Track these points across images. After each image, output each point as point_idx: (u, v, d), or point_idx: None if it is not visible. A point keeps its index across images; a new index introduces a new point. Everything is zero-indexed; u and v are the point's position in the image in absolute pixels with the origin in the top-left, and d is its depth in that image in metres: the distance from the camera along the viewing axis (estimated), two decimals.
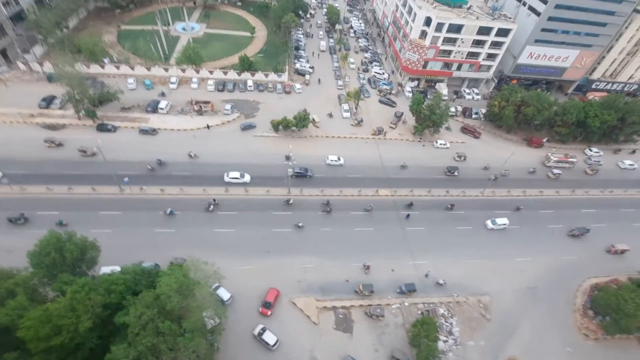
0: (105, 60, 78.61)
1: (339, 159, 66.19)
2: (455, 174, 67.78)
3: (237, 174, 59.76)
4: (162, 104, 70.95)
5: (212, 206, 55.09)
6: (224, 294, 45.08)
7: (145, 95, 74.29)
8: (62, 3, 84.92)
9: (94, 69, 76.82)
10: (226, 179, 59.60)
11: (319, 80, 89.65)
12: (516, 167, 70.87)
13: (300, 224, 54.65)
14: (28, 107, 66.31)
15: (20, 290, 34.09)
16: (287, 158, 64.81)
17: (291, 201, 57.58)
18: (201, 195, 56.88)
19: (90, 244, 41.04)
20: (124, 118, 68.41)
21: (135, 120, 68.20)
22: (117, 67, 78.36)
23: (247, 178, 60.07)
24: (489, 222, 59.10)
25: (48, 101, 67.40)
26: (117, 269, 40.88)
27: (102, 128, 64.72)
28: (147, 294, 34.73)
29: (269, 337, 42.42)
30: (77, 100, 62.77)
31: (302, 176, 62.41)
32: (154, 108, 70.50)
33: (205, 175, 59.76)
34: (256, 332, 42.84)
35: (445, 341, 45.69)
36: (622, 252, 57.89)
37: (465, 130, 78.09)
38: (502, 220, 58.96)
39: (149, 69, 79.51)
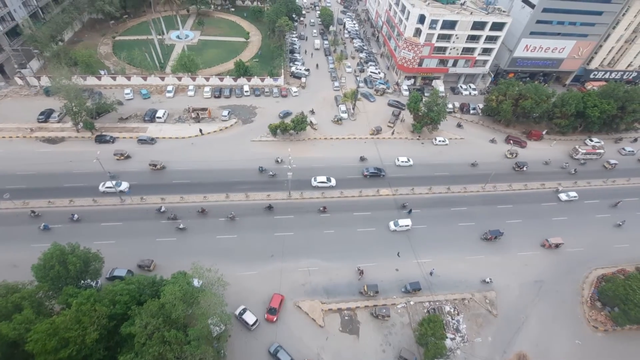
0: (102, 72, 79.01)
1: (408, 160, 67.79)
2: (524, 169, 69.12)
3: (324, 178, 61.32)
4: (160, 112, 71.16)
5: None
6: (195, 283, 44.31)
7: (142, 105, 74.66)
8: (56, 16, 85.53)
9: (91, 80, 77.23)
10: (314, 183, 61.05)
11: (317, 65, 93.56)
12: (539, 160, 72.48)
13: (181, 226, 52.40)
14: (27, 121, 66.68)
15: (27, 304, 34.34)
16: (362, 159, 67.07)
17: (163, 209, 54.24)
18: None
19: (94, 255, 41.27)
20: (122, 128, 68.62)
21: (133, 130, 68.40)
22: (114, 78, 78.71)
23: (333, 182, 61.46)
24: (391, 224, 56.01)
25: (46, 115, 67.71)
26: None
27: (100, 139, 64.94)
28: (152, 304, 34.74)
29: (249, 317, 43.70)
30: (75, 113, 63.01)
31: (376, 176, 64.10)
32: (151, 117, 70.73)
33: (206, 182, 59.93)
34: (237, 312, 43.85)
35: (452, 339, 45.47)
36: (557, 246, 55.73)
37: (510, 140, 76.04)
38: (405, 222, 55.91)
39: (145, 79, 79.85)
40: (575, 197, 64.16)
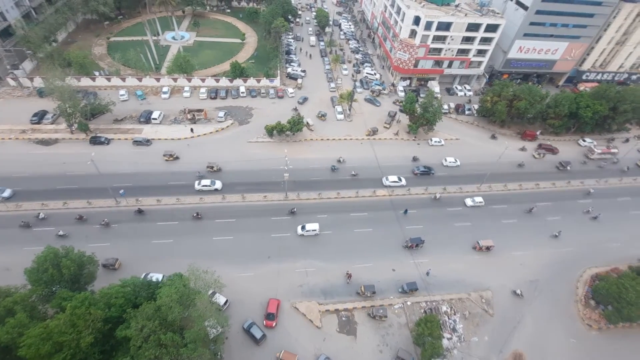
0: (96, 73, 78.41)
1: (455, 160, 69.26)
2: (568, 168, 71.33)
3: (395, 178, 63.48)
4: (155, 114, 70.77)
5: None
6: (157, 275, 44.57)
7: (138, 106, 74.20)
8: (50, 17, 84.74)
9: (85, 81, 76.57)
10: (385, 182, 63.10)
11: (310, 55, 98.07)
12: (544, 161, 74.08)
13: (60, 233, 49.59)
14: (20, 123, 65.98)
15: (19, 308, 33.90)
16: (414, 159, 69.90)
17: (42, 216, 51.02)
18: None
19: (88, 258, 40.91)
20: (117, 130, 68.11)
21: (128, 132, 67.90)
22: (108, 79, 78.12)
23: (403, 181, 63.64)
24: (299, 229, 54.06)
25: (40, 116, 67.00)
26: None
27: (95, 141, 64.41)
28: (148, 306, 34.46)
29: (220, 299, 44.37)
30: (69, 114, 62.42)
31: (426, 174, 66.42)
32: (146, 118, 70.29)
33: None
34: (209, 292, 43.09)
35: (449, 338, 45.64)
36: (488, 248, 54.57)
37: (542, 148, 76.30)
38: (313, 226, 54.08)
39: (140, 80, 79.35)
40: (481, 202, 61.48)
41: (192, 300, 36.11)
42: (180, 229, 52.99)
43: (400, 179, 63.65)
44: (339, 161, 66.79)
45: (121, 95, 75.31)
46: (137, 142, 65.28)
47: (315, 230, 54.19)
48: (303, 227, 54.31)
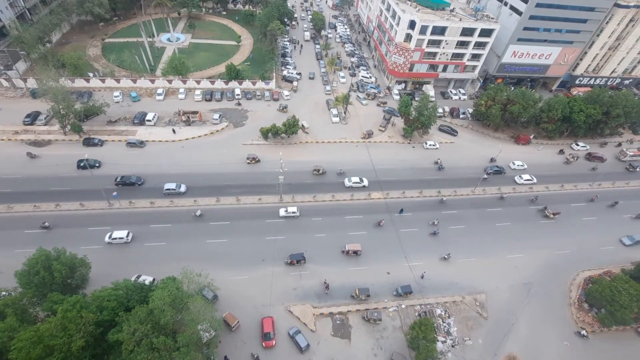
0: (91, 75, 77.95)
1: (523, 164, 72.69)
2: (637, 169, 76.05)
3: (528, 176, 68.57)
4: (149, 115, 70.44)
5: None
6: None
7: (132, 108, 73.84)
8: (44, 18, 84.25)
9: (79, 83, 76.06)
10: (519, 181, 68.14)
11: (302, 46, 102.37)
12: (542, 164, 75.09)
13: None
14: (12, 124, 65.35)
15: (10, 311, 33.63)
16: (492, 160, 72.96)
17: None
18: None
19: (80, 260, 40.52)
20: (111, 131, 67.65)
21: (122, 133, 67.46)
22: (103, 81, 77.68)
23: (534, 179, 68.92)
24: (106, 237, 49.82)
25: (33, 117, 66.38)
26: None
27: (88, 142, 63.91)
28: (140, 309, 34.19)
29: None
30: (63, 115, 61.92)
31: (498, 173, 70.28)
32: (141, 120, 69.93)
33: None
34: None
35: (443, 342, 45.66)
36: (355, 252, 52.69)
37: (592, 157, 77.88)
38: (119, 234, 49.92)
39: (134, 81, 78.99)
40: (294, 212, 56.74)
41: (185, 304, 35.87)
42: (174, 232, 52.73)
43: (532, 177, 68.90)
44: (436, 162, 70.19)
45: (115, 96, 74.88)
46: (130, 144, 64.88)
47: (122, 237, 50.00)
48: (110, 236, 50.12)
